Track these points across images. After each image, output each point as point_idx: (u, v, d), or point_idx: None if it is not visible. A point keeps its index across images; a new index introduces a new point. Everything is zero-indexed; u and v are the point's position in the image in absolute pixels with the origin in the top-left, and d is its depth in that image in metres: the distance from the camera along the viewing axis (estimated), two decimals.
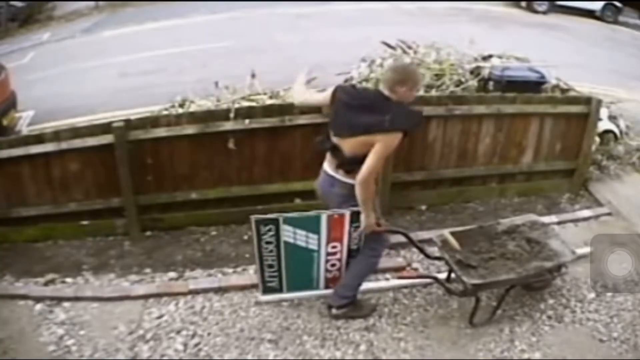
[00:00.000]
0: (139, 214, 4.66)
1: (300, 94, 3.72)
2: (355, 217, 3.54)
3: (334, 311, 3.76)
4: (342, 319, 3.76)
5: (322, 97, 3.57)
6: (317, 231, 3.59)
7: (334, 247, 3.70)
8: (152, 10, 14.55)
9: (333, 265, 3.81)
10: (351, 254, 3.77)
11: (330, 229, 3.59)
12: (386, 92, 3.28)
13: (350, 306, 3.76)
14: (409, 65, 3.37)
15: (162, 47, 10.76)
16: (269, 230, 3.53)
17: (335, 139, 3.37)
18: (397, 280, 4.11)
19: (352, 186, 3.31)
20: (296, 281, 3.82)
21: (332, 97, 3.43)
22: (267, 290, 3.80)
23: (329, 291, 3.88)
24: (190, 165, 4.63)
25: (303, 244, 3.64)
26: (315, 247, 3.67)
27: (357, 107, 3.28)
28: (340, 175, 3.41)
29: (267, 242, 3.59)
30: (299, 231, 3.58)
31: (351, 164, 3.30)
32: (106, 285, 4.14)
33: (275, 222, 3.50)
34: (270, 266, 3.70)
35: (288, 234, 3.58)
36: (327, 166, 3.49)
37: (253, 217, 3.50)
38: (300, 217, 3.55)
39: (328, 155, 3.47)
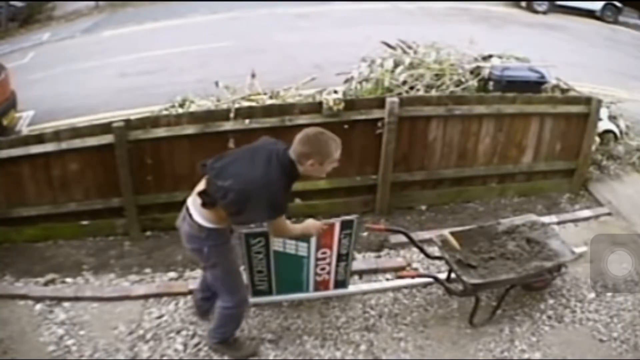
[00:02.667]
0: (139, 214, 4.66)
1: None
2: (346, 224, 3.55)
3: (207, 341, 3.57)
4: (216, 351, 3.54)
5: None
6: (306, 240, 3.57)
7: (323, 252, 3.69)
8: (152, 10, 14.55)
9: (323, 269, 3.80)
10: (341, 258, 3.76)
11: (319, 237, 3.56)
12: (292, 157, 2.90)
13: (223, 344, 3.52)
14: (318, 134, 2.91)
15: (162, 47, 10.76)
16: (259, 242, 3.51)
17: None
18: (397, 281, 4.11)
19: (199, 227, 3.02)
20: (285, 285, 3.81)
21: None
22: (256, 293, 3.79)
23: (318, 293, 3.90)
24: (190, 165, 4.61)
25: (292, 252, 3.63)
26: (304, 254, 3.66)
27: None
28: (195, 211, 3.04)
29: (257, 252, 3.57)
30: (288, 241, 3.57)
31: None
32: (106, 285, 4.14)
33: (264, 235, 3.46)
34: (260, 272, 3.69)
35: (278, 243, 3.56)
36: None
37: (242, 232, 3.43)
38: None
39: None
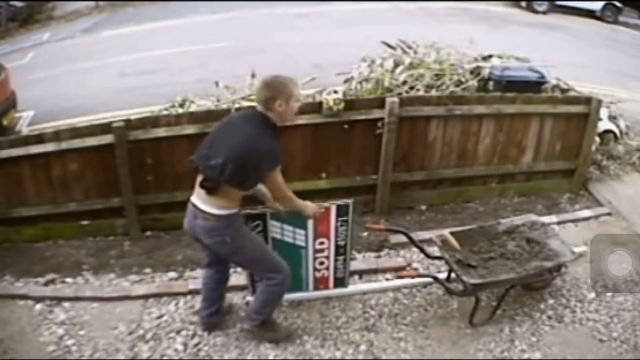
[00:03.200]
0: (139, 214, 4.66)
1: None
2: (342, 210, 3.57)
3: (245, 326, 3.63)
4: (255, 338, 3.61)
5: None
6: (303, 226, 3.60)
7: (321, 243, 3.71)
8: (152, 10, 14.56)
9: (321, 263, 3.81)
10: (339, 250, 3.78)
11: (316, 223, 3.59)
12: (262, 111, 3.03)
13: (262, 326, 3.56)
14: (277, 78, 3.06)
15: (162, 47, 10.77)
16: (257, 225, 3.52)
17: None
18: (397, 280, 4.11)
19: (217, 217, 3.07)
20: None
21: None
22: (256, 291, 3.79)
23: (319, 293, 3.90)
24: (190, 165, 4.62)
25: (290, 240, 3.64)
26: (302, 244, 3.68)
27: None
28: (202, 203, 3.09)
29: None
30: (286, 226, 3.58)
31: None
32: (106, 285, 4.14)
33: (262, 217, 3.49)
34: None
35: (275, 229, 3.58)
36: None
37: (241, 212, 3.40)
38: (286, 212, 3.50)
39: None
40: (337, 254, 3.79)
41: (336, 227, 3.66)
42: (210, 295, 3.60)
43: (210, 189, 3.02)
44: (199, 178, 3.10)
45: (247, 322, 3.60)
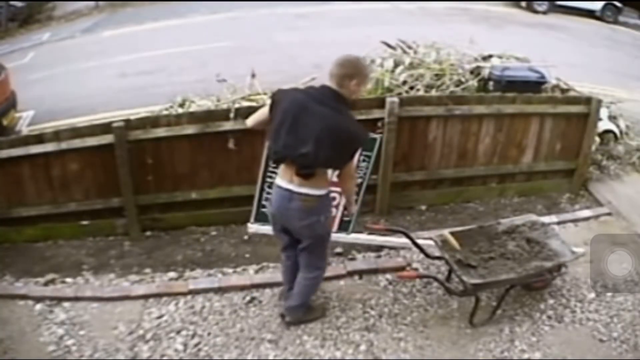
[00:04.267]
0: (139, 214, 4.66)
1: (250, 118, 3.47)
2: (368, 144, 3.53)
3: (287, 319, 3.73)
4: (296, 324, 3.72)
5: (264, 109, 3.31)
6: None
7: (338, 175, 3.36)
8: (152, 10, 14.56)
9: (333, 199, 3.70)
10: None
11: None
12: (334, 87, 3.06)
13: (304, 310, 3.71)
14: (358, 59, 3.16)
15: (162, 47, 10.76)
16: None
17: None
18: (369, 236, 4.22)
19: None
20: None
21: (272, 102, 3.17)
22: (259, 217, 3.71)
23: None
24: (190, 165, 4.63)
25: None
26: None
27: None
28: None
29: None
30: None
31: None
32: (106, 285, 4.14)
33: None
34: (270, 186, 3.57)
35: None
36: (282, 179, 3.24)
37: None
38: None
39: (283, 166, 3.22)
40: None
41: (358, 161, 3.51)
42: (291, 278, 3.66)
43: (307, 175, 3.09)
44: (285, 169, 3.16)
45: (291, 315, 3.70)
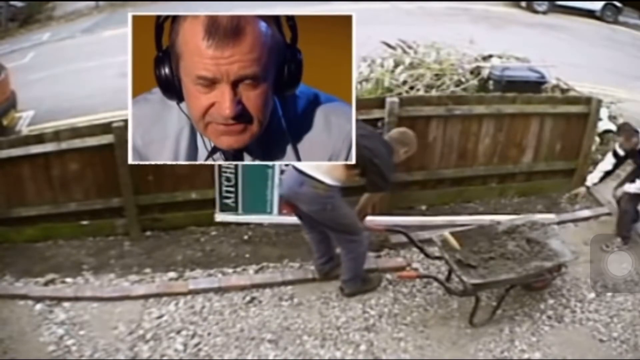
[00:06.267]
0: (139, 214, 4.66)
1: None
2: None
3: (345, 292, 3.97)
4: (354, 295, 3.96)
5: None
6: None
7: (287, 164, 3.77)
8: (152, 10, 14.50)
9: None
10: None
11: None
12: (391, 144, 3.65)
13: (359, 282, 3.98)
14: (413, 135, 3.80)
15: None
16: None
17: None
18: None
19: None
20: (251, 201, 3.95)
21: None
22: (223, 207, 3.91)
23: (282, 218, 4.06)
24: (190, 165, 4.62)
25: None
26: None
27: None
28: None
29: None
30: None
31: None
32: (106, 285, 4.14)
33: None
34: (228, 179, 3.83)
35: None
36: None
37: None
38: None
39: None
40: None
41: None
42: (320, 247, 3.98)
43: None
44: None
45: (348, 288, 3.93)
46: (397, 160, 3.71)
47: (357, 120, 3.31)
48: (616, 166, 4.75)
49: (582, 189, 4.85)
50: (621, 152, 4.65)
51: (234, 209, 3.94)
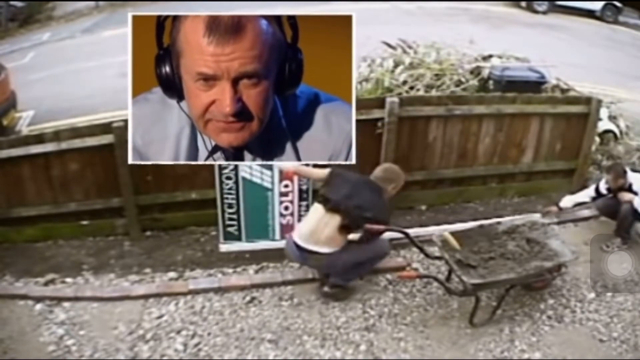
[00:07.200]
0: (139, 214, 4.66)
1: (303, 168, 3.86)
2: None
3: (330, 292, 3.95)
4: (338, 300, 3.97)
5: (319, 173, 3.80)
6: (269, 167, 3.95)
7: (286, 186, 3.94)
8: (152, 10, 14.49)
9: (286, 208, 4.04)
10: (302, 196, 4.06)
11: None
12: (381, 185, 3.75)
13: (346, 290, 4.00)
14: (396, 168, 3.94)
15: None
16: (229, 166, 3.82)
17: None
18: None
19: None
20: (254, 227, 4.06)
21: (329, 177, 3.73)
22: (227, 236, 4.03)
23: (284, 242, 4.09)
24: (190, 165, 4.62)
25: (258, 181, 3.91)
26: (269, 185, 3.93)
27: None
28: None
29: (228, 178, 3.90)
30: (254, 166, 3.93)
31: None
32: (106, 285, 4.14)
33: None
34: (230, 206, 3.97)
35: (245, 168, 3.85)
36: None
37: (215, 164, 3.78)
38: None
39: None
40: (300, 198, 4.01)
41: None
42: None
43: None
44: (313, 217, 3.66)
45: (333, 291, 3.93)
46: (388, 197, 3.80)
47: (339, 178, 3.64)
48: (593, 200, 4.76)
49: (554, 208, 4.82)
50: (604, 191, 4.65)
51: (237, 238, 4.11)
